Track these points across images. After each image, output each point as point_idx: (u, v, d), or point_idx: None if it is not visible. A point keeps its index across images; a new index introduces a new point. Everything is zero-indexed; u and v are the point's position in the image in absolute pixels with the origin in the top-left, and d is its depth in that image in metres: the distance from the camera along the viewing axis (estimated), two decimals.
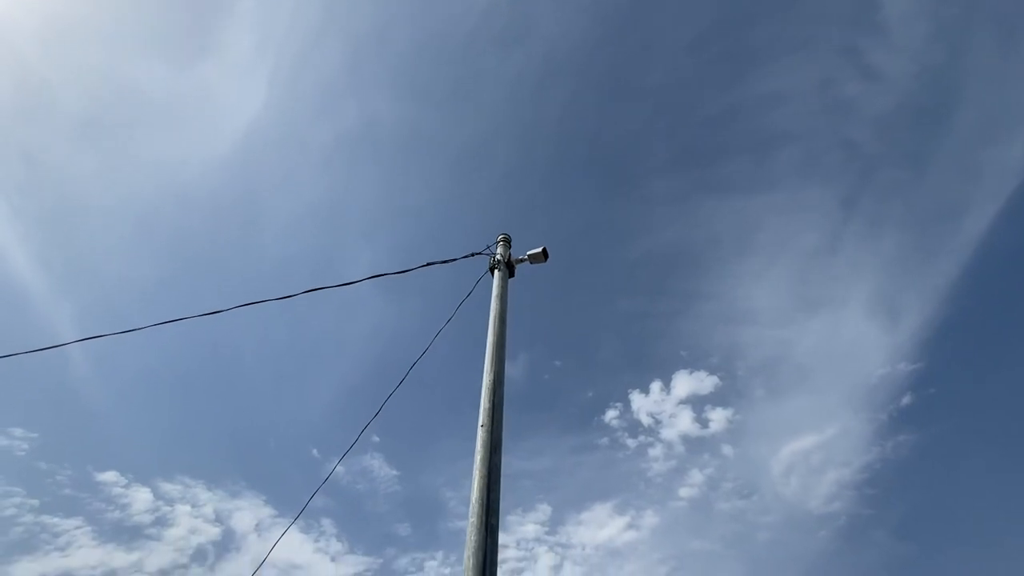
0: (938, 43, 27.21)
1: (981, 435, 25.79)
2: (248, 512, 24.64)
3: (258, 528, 23.66)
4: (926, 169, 28.47)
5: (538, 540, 24.41)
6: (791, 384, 28.36)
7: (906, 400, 24.79)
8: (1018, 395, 25.48)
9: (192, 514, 23.55)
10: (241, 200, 30.51)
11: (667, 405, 26.68)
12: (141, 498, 23.15)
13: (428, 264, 6.55)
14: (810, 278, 29.89)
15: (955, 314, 27.35)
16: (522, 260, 6.06)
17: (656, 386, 27.34)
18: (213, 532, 23.34)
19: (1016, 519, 23.03)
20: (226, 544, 23.41)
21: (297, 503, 6.13)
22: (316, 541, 24.46)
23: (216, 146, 29.31)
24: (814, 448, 25.64)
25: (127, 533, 22.52)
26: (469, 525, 2.97)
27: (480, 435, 3.57)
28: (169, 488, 23.90)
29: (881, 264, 28.95)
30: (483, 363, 4.36)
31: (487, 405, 3.83)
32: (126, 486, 23.13)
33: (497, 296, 5.26)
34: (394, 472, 27.08)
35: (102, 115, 27.52)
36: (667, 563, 23.74)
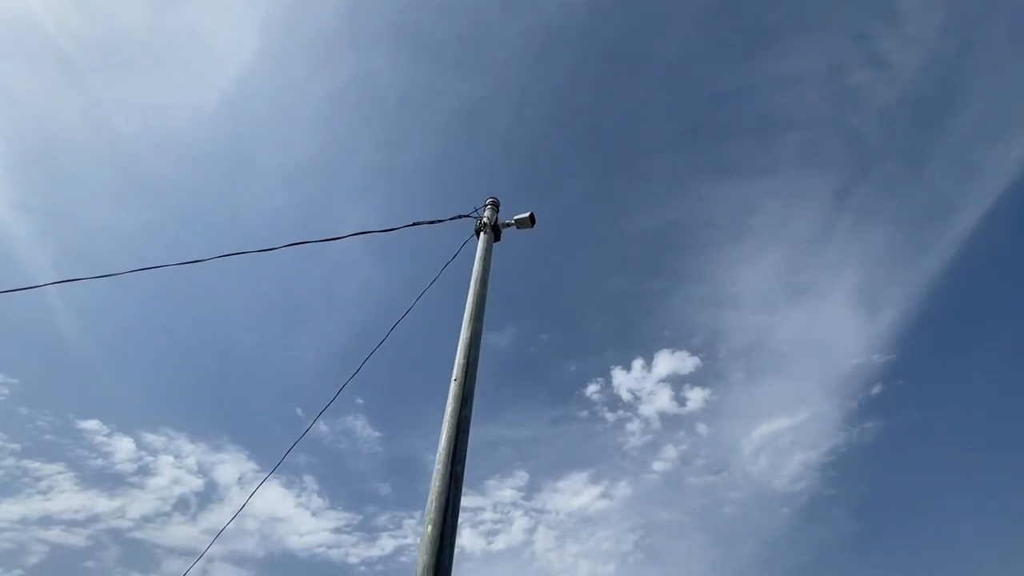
0: (949, 36, 26.84)
1: (942, 428, 26.76)
2: (231, 465, 25.01)
3: (241, 481, 24.06)
4: (924, 166, 28.50)
5: (514, 504, 25.15)
6: (769, 369, 28.97)
7: (876, 390, 25.53)
8: (981, 394, 26.34)
9: (175, 465, 23.87)
10: (230, 150, 29.81)
11: (647, 383, 27.19)
12: (124, 447, 23.38)
13: (415, 224, 6.50)
14: (798, 266, 30.17)
15: (933, 311, 27.92)
16: (509, 224, 6.04)
17: (638, 363, 27.80)
18: (196, 483, 23.72)
19: (963, 510, 24.12)
20: (208, 495, 23.83)
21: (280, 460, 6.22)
22: (298, 496, 24.97)
23: (205, 93, 28.45)
24: (785, 430, 26.44)
25: (110, 480, 22.82)
26: (435, 472, 3.04)
27: (452, 388, 3.62)
28: (152, 439, 24.12)
29: (869, 257, 29.27)
30: (470, 323, 4.38)
31: (462, 361, 3.87)
32: (108, 435, 23.30)
33: (480, 258, 5.26)
34: (377, 434, 27.51)
35: (85, 54, 26.51)
36: (636, 531, 24.65)
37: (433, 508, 2.82)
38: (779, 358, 29.08)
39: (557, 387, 30.55)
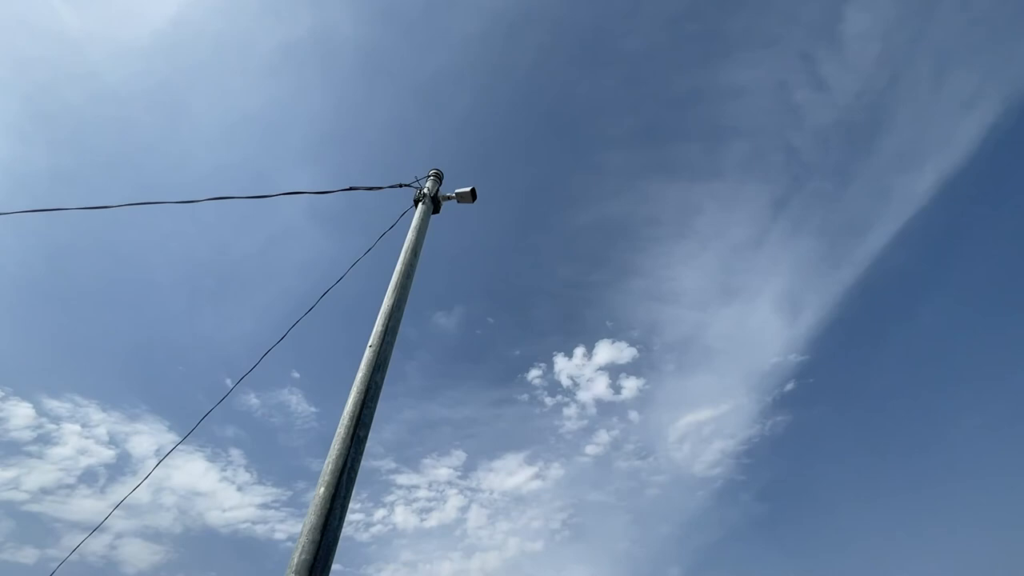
0: (883, 66, 28.87)
1: (842, 423, 29.54)
2: (148, 437, 23.55)
3: (159, 453, 22.73)
4: (848, 185, 30.79)
5: (450, 483, 25.31)
6: (698, 362, 30.64)
7: (789, 387, 27.67)
8: (878, 395, 29.17)
9: (82, 434, 22.19)
10: (159, 94, 27.54)
11: (587, 370, 28.01)
12: (20, 413, 21.46)
13: (351, 188, 6.26)
14: (732, 268, 31.90)
15: (843, 318, 30.50)
16: (449, 198, 5.94)
17: (580, 351, 28.54)
18: (106, 454, 22.18)
19: (855, 498, 26.77)
20: (120, 467, 22.36)
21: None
22: (223, 470, 23.93)
23: (133, 27, 26.06)
24: (708, 420, 28.16)
25: (2, 449, 20.89)
26: (336, 435, 2.95)
27: (367, 354, 3.51)
28: (55, 405, 22.28)
29: (794, 265, 31.42)
30: (395, 291, 4.26)
31: (380, 328, 3.77)
32: (2, 399, 21.28)
33: (415, 228, 5.14)
34: (313, 409, 26.73)
35: None
36: (565, 511, 25.53)
37: (329, 471, 2.73)
38: (708, 353, 30.83)
39: (500, 370, 30.87)
